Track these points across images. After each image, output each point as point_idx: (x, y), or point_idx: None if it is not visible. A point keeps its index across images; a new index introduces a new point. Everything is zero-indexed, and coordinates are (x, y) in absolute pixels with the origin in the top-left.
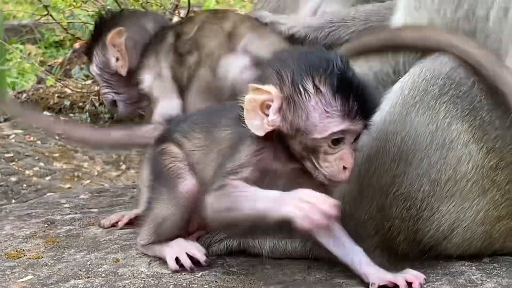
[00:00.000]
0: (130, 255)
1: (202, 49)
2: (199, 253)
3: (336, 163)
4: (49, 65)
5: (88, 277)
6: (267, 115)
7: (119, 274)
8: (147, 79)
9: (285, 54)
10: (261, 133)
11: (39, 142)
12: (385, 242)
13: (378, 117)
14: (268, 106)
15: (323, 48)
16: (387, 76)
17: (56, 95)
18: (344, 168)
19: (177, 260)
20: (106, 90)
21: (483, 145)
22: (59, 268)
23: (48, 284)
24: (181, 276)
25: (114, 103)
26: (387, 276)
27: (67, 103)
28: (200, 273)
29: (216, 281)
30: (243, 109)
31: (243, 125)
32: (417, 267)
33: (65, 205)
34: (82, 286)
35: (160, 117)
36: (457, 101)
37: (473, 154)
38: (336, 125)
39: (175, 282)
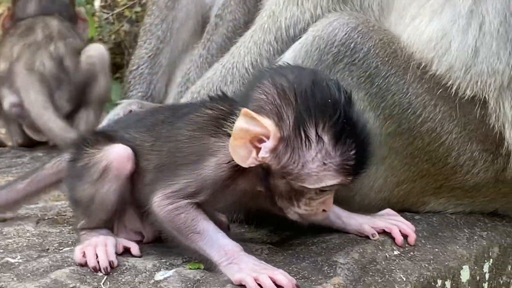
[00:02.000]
0: (19, 214)
1: None
2: (108, 256)
3: (317, 207)
4: None
5: None
6: (257, 148)
7: (4, 233)
8: None
9: (286, 82)
10: (244, 165)
11: None
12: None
13: None
14: (260, 140)
15: (327, 80)
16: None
17: None
18: (323, 210)
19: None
20: None
21: (380, 112)
22: None
23: None
24: (68, 235)
25: None
26: (380, 223)
27: None
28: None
29: None
30: (219, 119)
31: (215, 136)
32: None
33: None
34: None
35: None
36: (353, 69)
37: (370, 122)
38: (330, 179)
39: (61, 240)
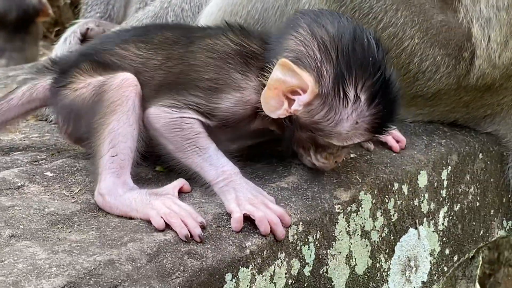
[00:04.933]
0: None
1: None
2: (193, 222)
3: (332, 160)
4: None
5: None
6: (290, 100)
7: None
8: None
9: (327, 35)
10: (273, 116)
11: None
12: None
13: None
14: (294, 92)
15: (367, 35)
16: None
17: None
18: (335, 162)
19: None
20: None
21: None
22: None
23: None
24: (20, 142)
25: None
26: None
27: None
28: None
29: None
30: (247, 57)
31: (242, 73)
32: None
33: None
34: None
35: None
36: None
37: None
38: (359, 137)
39: (11, 146)
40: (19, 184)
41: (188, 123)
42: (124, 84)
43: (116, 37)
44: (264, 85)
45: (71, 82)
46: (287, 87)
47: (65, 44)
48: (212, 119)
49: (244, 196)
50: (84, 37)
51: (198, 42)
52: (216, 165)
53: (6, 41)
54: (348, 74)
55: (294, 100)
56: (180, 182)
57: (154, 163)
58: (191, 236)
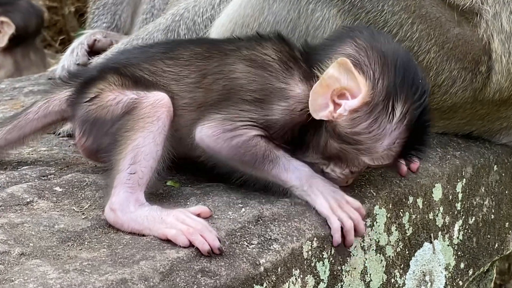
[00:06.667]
0: None
1: None
2: (211, 235)
3: (346, 178)
4: None
5: None
6: (336, 104)
7: None
8: None
9: (386, 50)
10: (315, 116)
11: None
12: None
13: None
14: (342, 96)
15: (414, 60)
16: None
17: None
18: (347, 181)
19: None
20: None
21: None
22: None
23: None
24: (27, 155)
25: None
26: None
27: None
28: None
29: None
30: (288, 63)
31: (284, 82)
32: None
33: None
34: None
35: None
36: None
37: None
38: (390, 158)
39: (19, 160)
40: (28, 200)
41: (253, 144)
42: (158, 104)
43: (140, 54)
44: (308, 91)
45: (96, 96)
46: (339, 87)
47: (72, 56)
48: (269, 130)
49: (327, 193)
50: (91, 49)
51: (234, 54)
52: (293, 170)
53: (24, 56)
54: (400, 90)
55: (340, 105)
56: (198, 209)
57: (165, 177)
58: (211, 250)
